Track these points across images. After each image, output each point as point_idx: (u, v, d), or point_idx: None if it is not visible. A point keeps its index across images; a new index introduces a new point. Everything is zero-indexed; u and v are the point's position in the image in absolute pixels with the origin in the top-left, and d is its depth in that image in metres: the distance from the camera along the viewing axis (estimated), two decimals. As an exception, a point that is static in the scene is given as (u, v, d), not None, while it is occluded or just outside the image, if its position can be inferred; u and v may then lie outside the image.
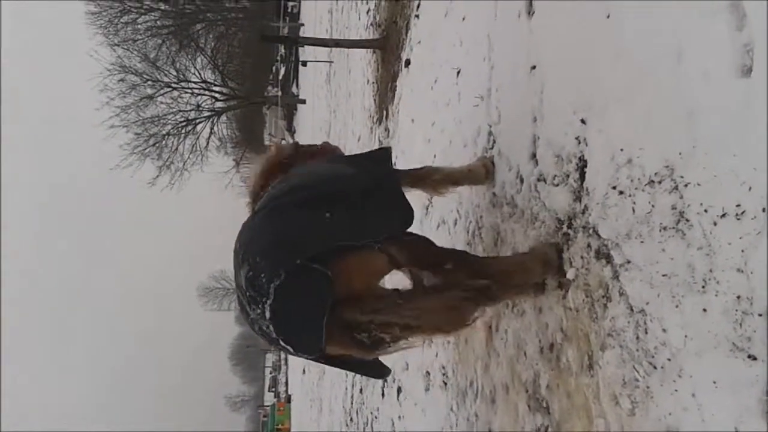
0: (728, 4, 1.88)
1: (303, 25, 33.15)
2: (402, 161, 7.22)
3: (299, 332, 2.52)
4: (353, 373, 2.96)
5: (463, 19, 5.10)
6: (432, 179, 3.74)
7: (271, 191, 3.07)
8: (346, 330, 2.54)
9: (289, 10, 40.49)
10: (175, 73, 35.09)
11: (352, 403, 10.51)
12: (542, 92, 3.22)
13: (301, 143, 3.82)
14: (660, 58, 2.19)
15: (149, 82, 33.81)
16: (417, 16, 7.43)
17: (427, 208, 5.55)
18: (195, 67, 36.22)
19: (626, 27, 2.44)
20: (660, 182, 2.16)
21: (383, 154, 3.55)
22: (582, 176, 2.72)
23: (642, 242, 2.23)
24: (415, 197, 4.88)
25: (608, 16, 2.58)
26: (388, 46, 9.33)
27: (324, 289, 2.45)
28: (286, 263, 2.46)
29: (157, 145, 33.81)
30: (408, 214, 2.91)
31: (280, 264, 2.46)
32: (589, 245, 2.60)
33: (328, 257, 2.52)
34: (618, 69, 2.47)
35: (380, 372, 2.99)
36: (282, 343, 2.58)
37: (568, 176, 2.85)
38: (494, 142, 3.95)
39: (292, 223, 2.66)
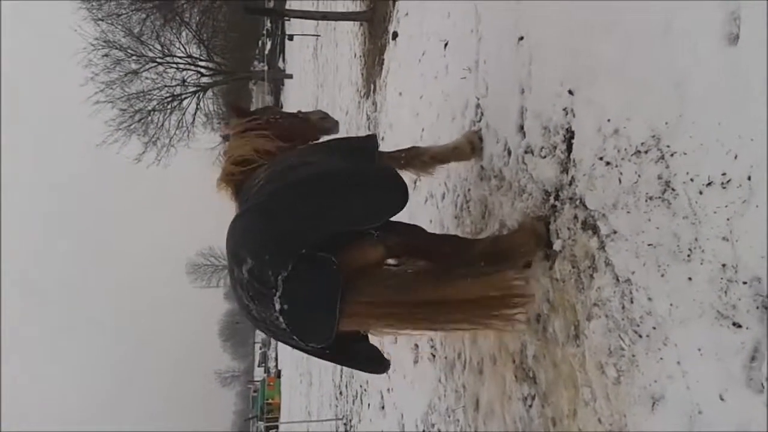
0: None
1: (289, -2, 32.76)
2: (390, 135, 7.19)
3: (311, 321, 2.53)
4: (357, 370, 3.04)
5: None
6: (419, 160, 3.77)
7: (258, 184, 3.07)
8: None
9: (276, -18, 39.99)
10: (159, 48, 34.58)
11: (341, 377, 10.59)
12: (530, 64, 3.20)
13: (271, 113, 3.86)
14: (648, 28, 2.18)
15: (134, 57, 33.31)
16: (397, 9, 7.36)
17: (415, 183, 5.53)
18: (180, 42, 35.71)
19: (612, -2, 2.43)
20: (646, 152, 2.16)
21: (369, 145, 3.54)
22: (569, 148, 2.72)
23: (628, 212, 2.23)
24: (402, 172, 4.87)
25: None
26: (375, 18, 9.24)
27: (333, 274, 2.46)
28: (291, 254, 2.47)
29: (142, 121, 33.41)
30: (403, 194, 2.88)
31: (286, 255, 2.47)
32: (575, 216, 2.60)
33: (331, 249, 2.53)
34: (606, 40, 2.46)
35: (381, 365, 2.99)
36: (291, 334, 2.58)
37: (555, 148, 2.85)
38: (482, 114, 3.94)
39: (289, 212, 2.66)
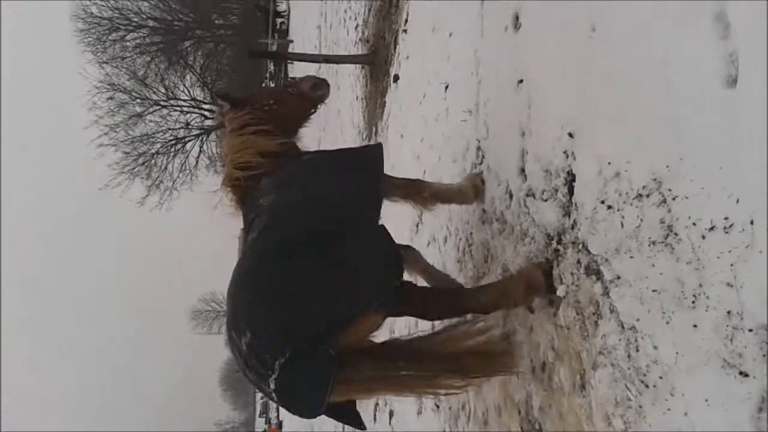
0: (713, 14, 1.87)
1: (292, 41, 33.20)
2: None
3: (302, 403, 2.62)
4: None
5: (450, 35, 5.11)
6: (422, 196, 3.77)
7: (264, 205, 3.16)
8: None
9: (278, 27, 40.58)
10: (164, 91, 34.98)
11: (343, 428, 10.41)
12: (530, 107, 3.21)
13: (266, 98, 3.83)
14: (646, 71, 2.18)
15: (138, 100, 33.68)
16: (405, 31, 7.45)
17: (417, 226, 5.53)
18: (184, 85, 36.11)
19: (612, 41, 2.44)
20: (648, 196, 2.14)
21: (375, 156, 3.58)
22: (570, 191, 2.71)
23: (631, 257, 2.20)
24: (405, 213, 4.87)
25: (593, 30, 2.57)
26: (376, 61, 9.34)
27: (328, 367, 2.51)
28: (290, 343, 2.52)
29: (146, 164, 33.63)
30: (399, 270, 2.98)
31: (284, 343, 2.53)
32: (578, 261, 2.57)
33: (331, 331, 2.60)
34: (604, 83, 2.47)
35: (361, 425, 2.99)
36: (283, 407, 2.68)
37: (556, 191, 2.83)
38: (483, 157, 3.94)
39: (290, 295, 2.69)
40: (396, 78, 7.75)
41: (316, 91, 3.90)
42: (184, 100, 36.31)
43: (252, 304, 2.73)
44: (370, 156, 3.60)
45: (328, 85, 3.96)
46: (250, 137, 3.53)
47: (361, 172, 3.43)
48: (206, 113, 36.65)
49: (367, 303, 2.73)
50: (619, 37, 2.38)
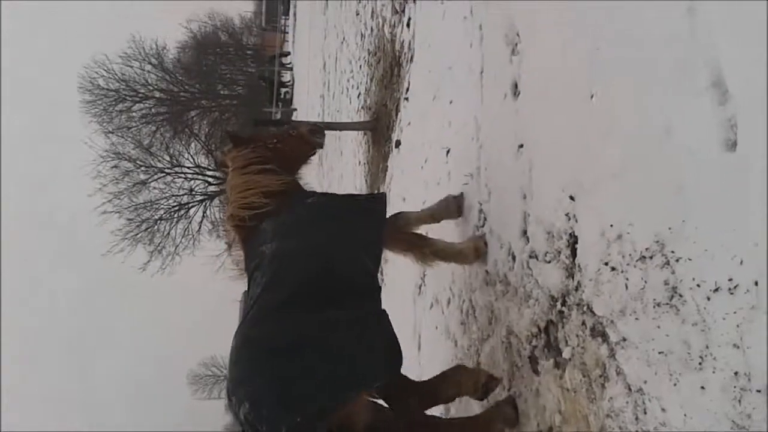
0: (710, 81, 1.92)
1: (296, 110, 33.85)
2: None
3: None
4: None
5: (451, 102, 5.21)
6: (422, 251, 3.88)
7: (266, 252, 3.25)
8: None
9: (282, 96, 41.44)
10: (168, 159, 35.45)
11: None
12: (530, 170, 3.26)
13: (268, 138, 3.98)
14: (645, 136, 2.22)
15: (143, 168, 34.12)
16: (406, 99, 7.60)
17: (419, 288, 5.51)
18: (188, 152, 36.66)
19: (611, 106, 2.49)
20: (651, 257, 2.16)
21: (378, 205, 3.69)
22: (573, 253, 2.72)
23: (637, 319, 2.20)
24: (408, 274, 4.86)
25: (592, 96, 2.64)
26: (378, 127, 9.49)
27: None
28: (286, 420, 2.59)
29: (149, 230, 33.80)
30: (398, 361, 3.04)
31: (281, 420, 2.59)
32: (584, 323, 2.56)
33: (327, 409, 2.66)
34: (605, 147, 2.51)
35: None
36: None
37: (559, 253, 2.85)
38: (485, 219, 3.97)
39: (289, 370, 2.74)
40: (398, 143, 7.87)
41: (314, 136, 4.09)
42: (189, 167, 36.73)
43: (251, 376, 2.78)
44: (374, 205, 3.71)
45: (324, 133, 4.18)
46: (253, 177, 3.62)
47: (364, 222, 3.52)
48: (210, 179, 37.03)
49: (364, 387, 2.82)
50: (617, 102, 2.44)
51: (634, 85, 2.32)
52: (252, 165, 3.69)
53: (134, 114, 36.48)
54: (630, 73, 2.36)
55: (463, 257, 3.97)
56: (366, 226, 3.51)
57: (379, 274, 3.75)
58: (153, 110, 37.41)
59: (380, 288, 3.46)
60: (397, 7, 8.41)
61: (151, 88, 37.84)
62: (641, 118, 2.27)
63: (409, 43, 7.55)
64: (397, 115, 8.16)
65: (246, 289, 3.44)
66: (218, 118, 38.86)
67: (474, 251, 3.90)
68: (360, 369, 2.81)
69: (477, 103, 4.31)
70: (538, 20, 3.27)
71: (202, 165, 36.96)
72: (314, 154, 4.19)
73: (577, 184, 2.73)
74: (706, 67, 1.93)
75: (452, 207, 4.33)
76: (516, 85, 3.57)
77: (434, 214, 4.34)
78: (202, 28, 41.42)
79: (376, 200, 3.83)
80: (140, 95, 37.18)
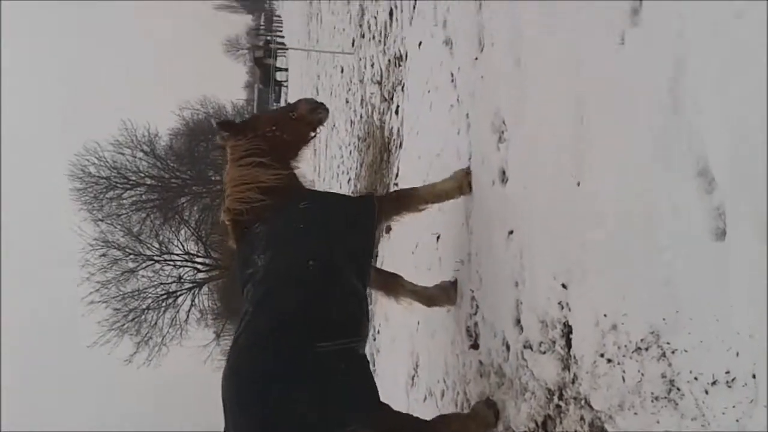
0: (696, 170, 1.94)
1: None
2: (385, 327, 7.14)
3: None
4: None
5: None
6: (397, 289, 4.21)
7: (258, 258, 3.34)
8: None
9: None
10: (157, 246, 35.40)
11: None
12: (521, 257, 3.25)
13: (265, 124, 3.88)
14: (632, 224, 2.23)
15: (131, 256, 33.97)
16: (396, 184, 7.68)
17: (413, 379, 5.40)
18: (178, 239, 36.63)
19: (597, 194, 2.51)
20: (647, 349, 2.12)
21: (367, 209, 3.71)
22: (568, 343, 2.68)
23: (635, 414, 2.14)
24: (401, 363, 4.75)
25: (578, 184, 2.66)
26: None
27: None
28: None
29: (136, 320, 33.31)
30: (374, 405, 3.06)
31: None
32: (582, 418, 2.49)
33: None
34: (593, 234, 2.51)
35: None
36: None
37: (554, 343, 2.80)
38: (477, 307, 3.93)
39: (275, 409, 2.78)
40: (389, 228, 7.89)
41: (315, 114, 3.98)
42: (178, 255, 36.63)
43: (237, 411, 2.85)
44: (365, 210, 3.72)
45: (326, 108, 4.04)
46: (249, 170, 3.62)
47: (355, 231, 3.57)
48: (199, 266, 36.84)
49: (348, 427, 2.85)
50: (603, 190, 2.46)
51: (620, 174, 2.35)
52: (248, 157, 3.67)
53: (125, 201, 36.59)
54: (616, 161, 2.39)
55: (435, 301, 4.26)
56: (357, 234, 3.57)
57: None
58: (144, 197, 37.56)
59: (367, 313, 3.51)
60: (386, 95, 8.63)
61: (142, 175, 38.12)
62: (627, 207, 2.28)
63: (398, 130, 7.70)
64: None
65: (241, 291, 3.48)
66: (209, 203, 39.00)
67: (444, 296, 4.23)
68: (341, 414, 2.86)
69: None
70: (523, 109, 3.34)
71: (192, 252, 36.86)
72: (316, 134, 4.10)
73: (569, 272, 2.71)
74: (692, 156, 1.95)
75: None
76: (504, 172, 3.61)
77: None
78: (194, 116, 42.17)
79: (366, 204, 3.81)
80: (131, 182, 37.38)
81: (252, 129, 3.82)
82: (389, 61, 8.58)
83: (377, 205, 3.76)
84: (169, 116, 41.56)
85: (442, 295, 4.29)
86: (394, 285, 4.19)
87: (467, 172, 4.09)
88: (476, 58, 4.19)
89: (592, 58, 2.57)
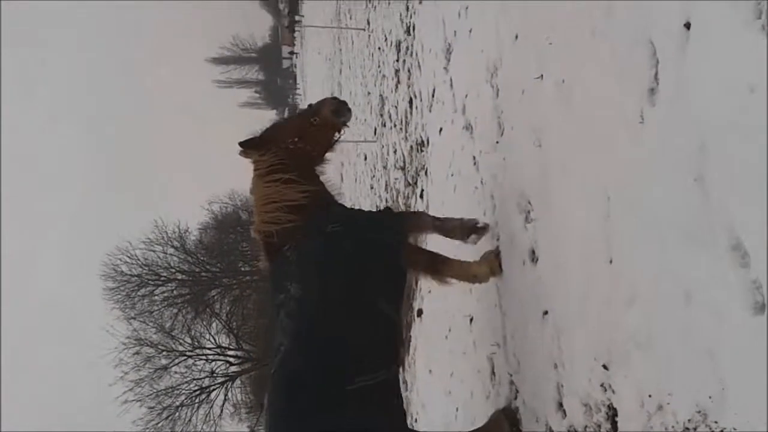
0: (729, 245, 1.93)
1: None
2: (423, 415, 6.98)
3: None
4: None
5: (470, 269, 5.25)
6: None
7: (289, 286, 3.37)
8: None
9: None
10: (189, 341, 35.28)
11: None
12: (558, 338, 3.20)
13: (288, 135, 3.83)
14: (670, 300, 2.21)
15: (164, 353, 33.88)
16: (425, 268, 7.69)
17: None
18: (210, 333, 36.54)
19: (631, 271, 2.50)
20: (695, 429, 2.06)
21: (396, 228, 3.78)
22: (614, 426, 2.60)
23: (690, 497, 2.05)
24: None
25: (611, 261, 2.65)
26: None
27: None
28: None
29: (170, 417, 32.88)
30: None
31: None
32: (636, 504, 2.39)
33: None
34: (630, 312, 2.49)
35: None
36: None
37: (599, 427, 2.72)
38: (517, 392, 3.84)
39: None
40: (420, 313, 7.84)
41: (338, 117, 3.89)
42: (210, 348, 36.46)
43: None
44: (393, 232, 3.75)
45: (349, 109, 3.96)
46: (276, 188, 3.61)
47: (385, 256, 3.58)
48: (231, 359, 36.58)
49: None
50: (636, 268, 2.45)
51: (652, 251, 2.34)
52: (274, 173, 3.65)
53: (156, 297, 36.79)
54: (646, 238, 2.39)
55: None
56: (386, 264, 3.57)
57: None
58: (175, 292, 37.79)
59: (401, 337, 3.62)
60: (410, 180, 8.76)
61: (173, 270, 38.49)
62: (662, 283, 2.26)
63: (424, 214, 7.76)
64: (417, 284, 8.21)
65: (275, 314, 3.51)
66: (239, 294, 39.10)
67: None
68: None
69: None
70: (547, 189, 3.37)
71: (223, 345, 36.70)
72: (341, 136, 4.01)
73: (609, 352, 2.67)
74: (723, 231, 1.95)
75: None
76: (533, 251, 3.61)
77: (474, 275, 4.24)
78: (222, 209, 42.90)
79: (394, 223, 3.85)
80: (162, 278, 37.71)
81: (274, 142, 3.78)
82: (411, 147, 8.76)
83: (405, 228, 3.87)
84: (199, 211, 42.32)
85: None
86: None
87: (496, 254, 4.08)
88: (497, 142, 4.27)
89: (613, 137, 2.61)
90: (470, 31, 5.30)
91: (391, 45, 11.05)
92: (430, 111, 7.38)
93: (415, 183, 8.40)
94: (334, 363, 3.06)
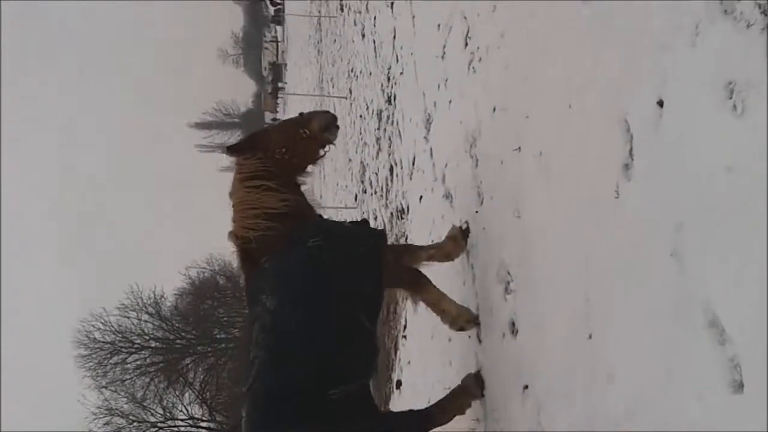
0: (706, 321, 1.91)
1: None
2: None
3: None
4: None
5: (450, 339, 5.19)
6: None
7: (263, 320, 3.32)
8: None
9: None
10: (161, 412, 34.33)
11: None
12: (539, 413, 3.14)
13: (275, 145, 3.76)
14: (651, 377, 2.18)
15: (135, 424, 32.87)
16: (404, 337, 7.59)
17: None
18: (182, 403, 35.59)
19: (611, 347, 2.47)
20: None
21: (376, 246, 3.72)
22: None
23: None
24: None
25: (590, 336, 2.63)
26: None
27: None
28: None
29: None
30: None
31: None
32: None
33: None
34: (611, 389, 2.45)
35: None
36: None
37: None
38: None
39: None
40: (399, 384, 7.70)
41: (327, 134, 3.87)
42: (182, 420, 35.43)
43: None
44: (373, 249, 3.68)
45: (338, 127, 3.95)
46: (258, 196, 3.54)
47: (363, 273, 3.53)
48: (203, 431, 35.52)
49: None
50: (615, 343, 2.43)
51: (632, 326, 2.32)
52: (256, 179, 3.59)
53: (129, 365, 35.96)
54: (626, 313, 2.37)
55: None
56: (366, 277, 3.54)
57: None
58: (148, 360, 36.96)
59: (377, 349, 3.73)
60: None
61: (147, 337, 37.77)
62: (642, 360, 2.23)
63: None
64: (396, 353, 8.09)
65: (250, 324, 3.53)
66: (214, 363, 38.31)
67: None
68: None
69: (475, 341, 4.28)
70: (527, 259, 3.37)
71: (196, 416, 35.69)
72: (325, 153, 4.00)
73: (591, 426, 2.61)
74: (700, 307, 1.93)
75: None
76: (513, 323, 3.58)
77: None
78: (200, 274, 42.45)
79: (373, 240, 3.78)
80: (136, 346, 36.95)
81: (262, 149, 3.73)
82: (392, 214, 8.80)
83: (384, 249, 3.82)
84: (176, 276, 41.85)
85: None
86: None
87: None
88: (477, 212, 4.29)
89: (590, 210, 2.63)
90: (450, 102, 5.41)
91: (372, 113, 11.24)
92: (410, 179, 7.45)
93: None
94: (311, 376, 3.09)
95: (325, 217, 4.28)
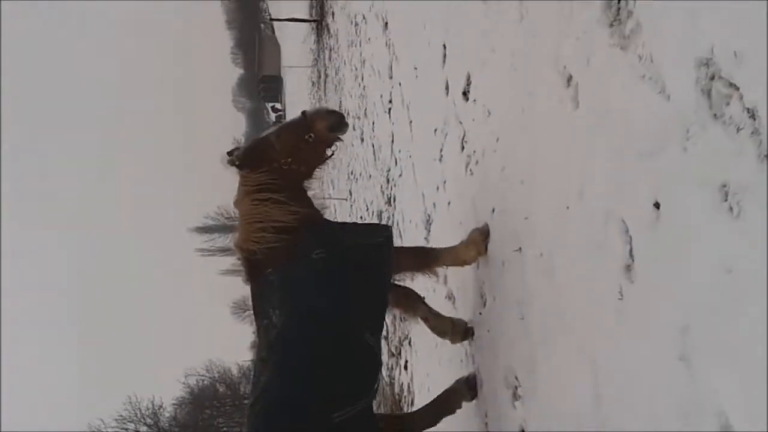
0: (718, 424, 1.85)
1: None
2: None
3: None
4: None
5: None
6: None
7: (270, 335, 3.26)
8: None
9: None
10: None
11: None
12: None
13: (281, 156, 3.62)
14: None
15: None
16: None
17: None
18: None
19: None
20: None
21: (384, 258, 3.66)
22: None
23: None
24: None
25: None
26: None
27: None
28: None
29: None
30: None
31: None
32: None
33: None
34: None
35: None
36: None
37: None
38: None
39: None
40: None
41: (335, 133, 3.72)
42: None
43: None
44: (382, 257, 3.63)
45: (346, 123, 3.79)
46: (265, 209, 3.46)
47: (370, 286, 3.50)
48: None
49: None
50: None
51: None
52: (263, 192, 3.49)
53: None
54: (636, 417, 2.30)
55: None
56: (372, 289, 3.51)
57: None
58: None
59: (380, 365, 3.54)
60: (393, 350, 8.60)
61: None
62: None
63: (408, 386, 7.55)
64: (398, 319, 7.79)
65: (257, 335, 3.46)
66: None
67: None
68: None
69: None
70: (534, 363, 3.30)
71: None
72: (333, 153, 3.81)
73: None
74: (712, 411, 1.88)
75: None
76: (515, 391, 3.52)
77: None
78: (199, 382, 41.56)
79: (383, 248, 3.68)
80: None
81: (267, 162, 3.56)
82: (394, 315, 8.68)
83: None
84: (175, 384, 40.98)
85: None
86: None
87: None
88: (480, 313, 4.25)
89: (595, 312, 2.60)
90: (449, 203, 5.47)
91: (372, 214, 11.35)
92: (412, 280, 7.42)
93: (399, 353, 8.25)
94: (316, 400, 3.01)
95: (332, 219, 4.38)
